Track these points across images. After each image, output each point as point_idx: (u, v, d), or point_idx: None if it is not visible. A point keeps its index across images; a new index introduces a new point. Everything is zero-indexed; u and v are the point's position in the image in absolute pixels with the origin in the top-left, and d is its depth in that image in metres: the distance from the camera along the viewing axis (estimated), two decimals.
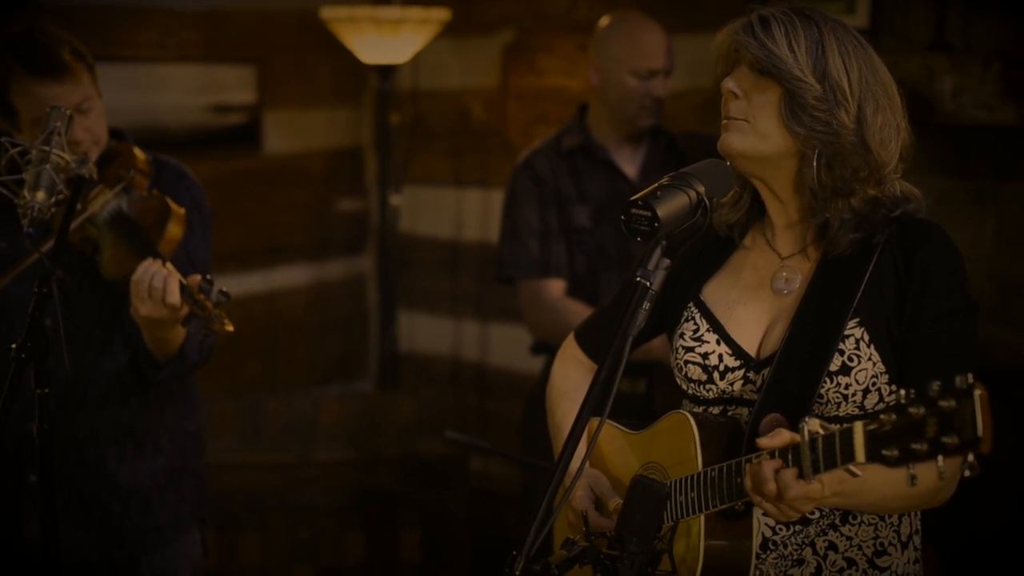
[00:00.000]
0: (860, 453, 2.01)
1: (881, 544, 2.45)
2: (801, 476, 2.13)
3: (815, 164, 2.35)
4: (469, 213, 5.92)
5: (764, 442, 2.19)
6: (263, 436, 5.13)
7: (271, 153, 5.83)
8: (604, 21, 4.18)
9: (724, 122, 2.40)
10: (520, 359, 5.66)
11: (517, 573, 2.12)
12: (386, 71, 5.49)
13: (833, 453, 2.07)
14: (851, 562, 2.44)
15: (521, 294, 4.19)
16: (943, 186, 4.33)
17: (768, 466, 2.16)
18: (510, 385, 5.76)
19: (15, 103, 3.18)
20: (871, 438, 1.99)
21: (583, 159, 4.16)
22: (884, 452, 1.96)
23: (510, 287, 4.27)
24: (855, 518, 2.43)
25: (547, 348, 4.20)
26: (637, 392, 3.96)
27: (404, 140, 5.92)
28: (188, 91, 5.46)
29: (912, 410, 1.91)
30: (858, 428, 2.02)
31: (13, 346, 2.78)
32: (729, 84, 2.38)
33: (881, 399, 2.37)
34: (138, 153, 3.31)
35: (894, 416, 1.95)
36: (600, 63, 4.13)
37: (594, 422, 2.22)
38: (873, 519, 2.44)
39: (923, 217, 2.42)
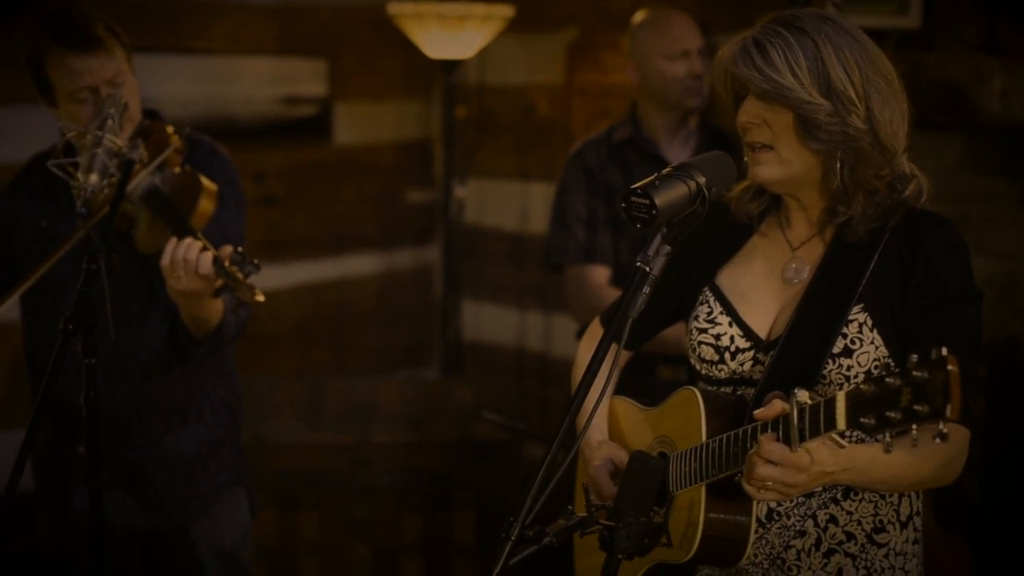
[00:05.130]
0: (842, 420, 2.13)
1: (880, 521, 2.54)
2: (788, 444, 2.23)
3: (839, 172, 2.46)
4: (534, 206, 6.03)
5: (760, 413, 2.31)
6: (324, 417, 5.25)
7: (341, 144, 5.96)
8: (631, 24, 4.31)
9: (750, 154, 2.51)
10: None
11: (512, 538, 2.24)
12: (451, 66, 5.61)
13: (817, 421, 2.18)
14: (850, 536, 2.53)
15: (567, 279, 4.31)
16: (991, 186, 4.38)
17: (754, 456, 2.27)
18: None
19: (51, 77, 3.28)
20: (852, 406, 2.11)
21: (632, 152, 4.27)
22: (862, 419, 2.08)
23: (557, 273, 4.38)
24: (856, 494, 2.53)
25: None
26: (680, 379, 4.05)
27: (470, 134, 6.04)
28: (260, 83, 5.60)
29: (889, 380, 2.04)
30: (840, 397, 2.14)
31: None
32: (745, 118, 2.49)
33: None
34: (171, 131, 3.40)
35: (873, 386, 2.07)
36: (636, 61, 4.25)
37: (592, 397, 2.32)
38: (873, 497, 2.53)
39: (930, 208, 2.52)
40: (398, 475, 5.07)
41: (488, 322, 6.26)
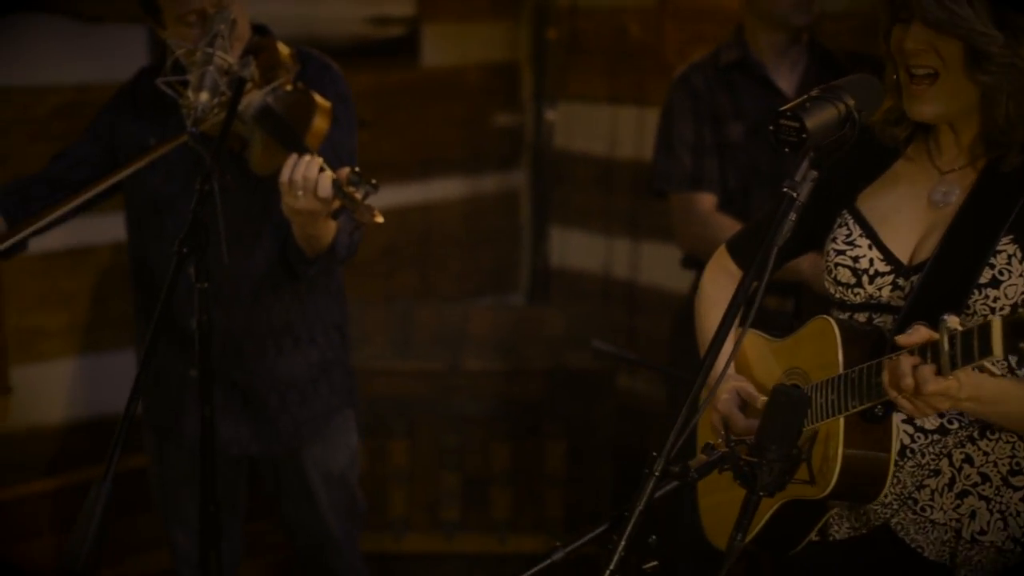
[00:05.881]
0: (998, 346, 2.05)
1: (1018, 463, 2.45)
2: (939, 372, 2.15)
3: (1005, 105, 2.35)
4: (623, 131, 5.91)
5: (903, 339, 2.22)
6: (413, 344, 5.20)
7: (428, 66, 5.85)
8: None
9: (909, 87, 2.40)
10: (670, 277, 5.66)
11: (656, 473, 2.16)
12: None
13: (971, 347, 2.09)
14: (985, 477, 2.44)
15: (673, 206, 4.21)
16: None
17: (906, 361, 2.19)
18: (659, 302, 5.77)
19: (158, 1, 3.22)
20: (1010, 332, 2.02)
21: (740, 75, 4.15)
22: (1021, 345, 1.99)
23: (662, 200, 4.28)
24: (993, 433, 2.43)
25: (697, 262, 4.21)
26: (785, 311, 3.96)
27: (560, 56, 5.92)
28: (347, 2, 5.49)
29: None
30: (996, 322, 2.05)
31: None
32: (911, 43, 2.37)
33: None
34: (282, 48, 3.33)
35: None
36: None
37: (738, 330, 2.25)
38: (1011, 437, 2.44)
39: None
40: (488, 403, 5.03)
41: (575, 248, 6.17)
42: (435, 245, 6.06)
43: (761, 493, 2.25)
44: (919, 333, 2.20)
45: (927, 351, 2.18)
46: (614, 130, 5.95)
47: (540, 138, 5.76)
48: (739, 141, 4.09)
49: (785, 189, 2.24)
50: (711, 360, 2.22)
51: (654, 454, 2.17)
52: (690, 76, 4.18)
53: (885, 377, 2.23)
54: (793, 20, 4.08)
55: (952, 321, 2.13)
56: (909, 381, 2.18)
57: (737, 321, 2.33)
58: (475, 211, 6.18)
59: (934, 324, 2.26)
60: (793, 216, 2.23)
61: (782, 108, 2.25)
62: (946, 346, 2.12)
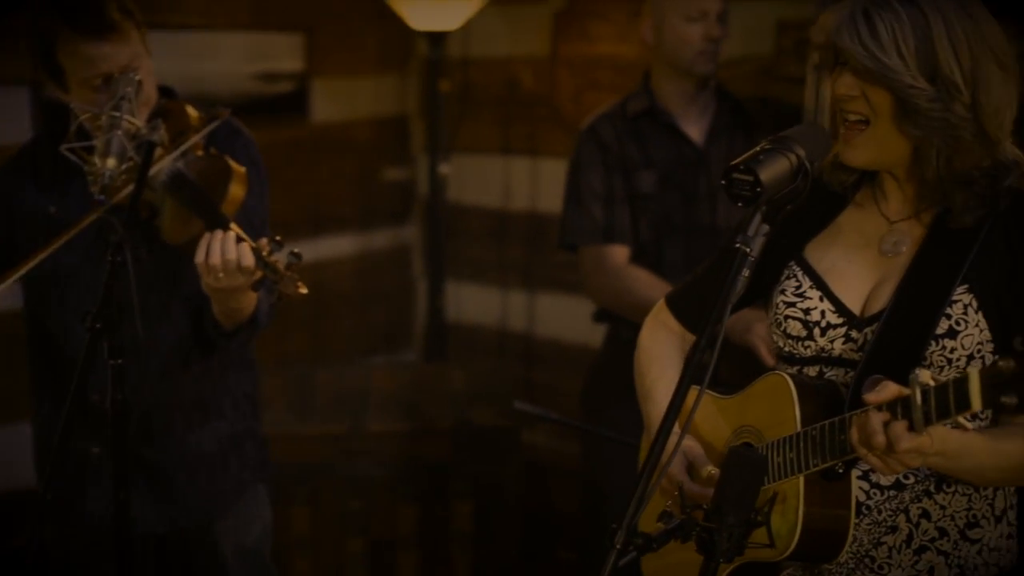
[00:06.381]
0: (976, 400, 1.99)
1: (974, 516, 2.41)
2: (912, 428, 2.09)
3: (935, 162, 2.31)
4: (517, 182, 5.85)
5: (871, 397, 2.15)
6: (314, 407, 5.07)
7: (318, 121, 5.76)
8: None
9: (843, 133, 2.36)
10: (568, 329, 5.63)
11: (618, 546, 2.08)
12: (436, 38, 5.41)
13: (946, 402, 2.03)
14: (943, 532, 2.40)
15: (584, 260, 4.13)
16: None
17: (876, 418, 2.13)
18: (558, 355, 5.72)
19: (62, 63, 3.08)
20: (989, 385, 1.96)
21: (648, 124, 4.10)
22: (1003, 399, 1.93)
23: (572, 254, 4.21)
24: (949, 486, 2.39)
25: (610, 316, 4.15)
26: (704, 362, 3.90)
27: (452, 108, 5.85)
28: (236, 59, 5.39)
29: None
30: (973, 374, 1.99)
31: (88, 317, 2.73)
32: (843, 90, 2.33)
33: None
34: (191, 111, 3.21)
35: (1013, 363, 1.92)
36: (652, 20, 4.08)
37: (693, 392, 2.18)
38: (968, 489, 2.40)
39: None
40: (393, 465, 4.90)
41: (469, 303, 6.08)
42: (327, 304, 5.94)
43: (720, 560, 2.17)
44: (888, 390, 2.14)
45: (896, 407, 2.12)
46: (507, 182, 5.89)
47: (433, 191, 5.66)
48: (650, 191, 4.04)
49: (738, 245, 2.18)
50: (670, 424, 2.15)
51: (614, 526, 2.11)
52: (597, 127, 4.12)
53: (854, 435, 2.17)
54: (698, 68, 4.04)
55: (924, 375, 2.07)
56: (881, 439, 2.11)
57: (674, 383, 2.28)
58: (367, 268, 6.09)
59: (893, 377, 2.22)
60: (746, 272, 2.18)
61: (733, 162, 2.19)
62: (919, 401, 2.07)
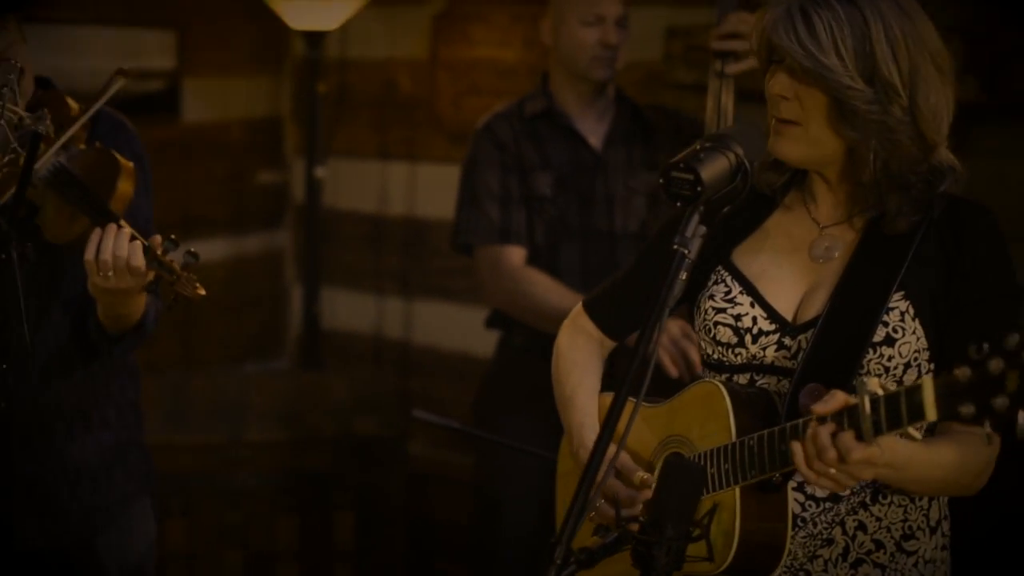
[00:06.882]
0: (931, 410, 1.93)
1: (910, 527, 2.37)
2: (860, 438, 2.03)
3: (872, 164, 2.26)
4: (394, 187, 5.75)
5: (820, 408, 2.08)
6: (190, 416, 4.92)
7: (189, 122, 5.60)
8: None
9: (775, 124, 2.30)
10: (445, 336, 5.54)
11: (559, 561, 2.00)
12: (315, 38, 5.29)
13: (898, 411, 1.97)
14: (879, 544, 2.35)
15: (479, 261, 4.03)
16: None
17: (824, 431, 2.06)
18: (435, 363, 5.62)
19: None
20: (944, 394, 1.90)
21: (546, 126, 4.03)
22: (960, 409, 1.87)
23: (466, 255, 4.10)
24: (885, 498, 2.34)
25: (502, 322, 4.07)
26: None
27: (328, 111, 5.71)
28: (106, 56, 5.18)
29: (992, 363, 1.83)
30: (927, 383, 1.93)
31: None
32: (776, 89, 2.27)
33: (920, 376, 2.29)
34: (71, 103, 3.04)
35: (969, 371, 1.86)
36: (551, 21, 4.02)
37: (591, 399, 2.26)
38: (903, 500, 2.35)
39: (973, 200, 2.34)
40: (272, 475, 4.78)
41: (344, 309, 5.95)
42: (197, 309, 5.76)
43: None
44: (836, 399, 2.07)
45: (843, 417, 2.06)
46: (384, 187, 5.78)
47: (309, 195, 5.53)
48: (546, 193, 3.96)
49: (676, 247, 2.11)
50: (607, 437, 2.08)
51: (553, 541, 2.03)
52: (494, 126, 4.02)
53: (798, 451, 2.09)
54: (593, 74, 3.98)
55: (872, 383, 2.00)
56: (833, 454, 2.04)
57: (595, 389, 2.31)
58: (239, 273, 5.93)
59: (829, 385, 2.16)
60: (684, 275, 2.11)
61: (673, 160, 2.12)
62: (867, 410, 2.00)
